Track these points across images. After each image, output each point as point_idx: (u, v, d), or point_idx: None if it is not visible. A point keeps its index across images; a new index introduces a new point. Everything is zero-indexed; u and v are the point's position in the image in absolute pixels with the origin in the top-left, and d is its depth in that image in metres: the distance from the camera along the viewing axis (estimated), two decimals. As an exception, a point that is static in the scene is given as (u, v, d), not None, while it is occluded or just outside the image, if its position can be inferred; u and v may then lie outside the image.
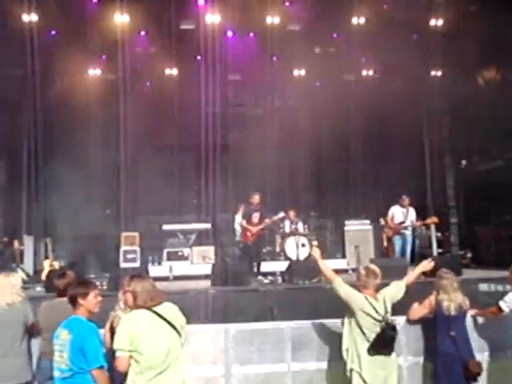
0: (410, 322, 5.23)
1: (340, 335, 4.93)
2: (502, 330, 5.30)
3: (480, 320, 5.23)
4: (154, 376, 3.64)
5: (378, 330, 4.64)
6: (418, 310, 5.19)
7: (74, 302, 3.99)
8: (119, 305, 4.55)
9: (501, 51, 11.23)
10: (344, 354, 4.78)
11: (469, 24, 11.69)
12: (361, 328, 4.69)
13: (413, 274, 5.23)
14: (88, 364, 3.72)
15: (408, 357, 5.20)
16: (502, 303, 4.98)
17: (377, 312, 4.68)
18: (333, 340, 4.99)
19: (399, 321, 5.16)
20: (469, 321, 5.21)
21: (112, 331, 4.25)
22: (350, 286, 4.86)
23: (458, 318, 4.96)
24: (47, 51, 11.86)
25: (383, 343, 4.65)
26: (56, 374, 3.80)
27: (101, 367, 3.75)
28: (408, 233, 10.76)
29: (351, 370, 4.71)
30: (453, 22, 12.28)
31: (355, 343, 4.70)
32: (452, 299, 4.97)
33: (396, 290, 4.98)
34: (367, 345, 4.65)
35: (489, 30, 11.01)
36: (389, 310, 4.78)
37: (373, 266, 5.02)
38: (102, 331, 4.27)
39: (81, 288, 4.05)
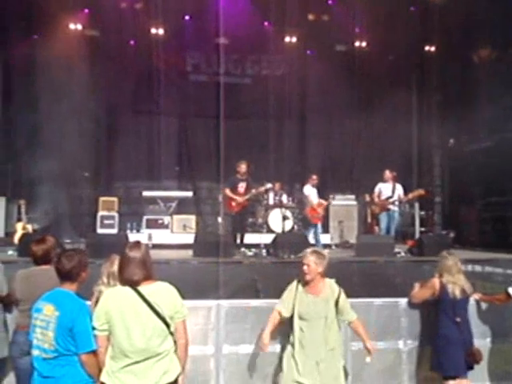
0: (411, 304, 4.98)
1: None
2: (504, 317, 5.09)
3: (483, 305, 5.01)
4: (127, 365, 3.23)
5: None
6: (421, 292, 4.93)
7: (75, 274, 3.49)
8: (102, 279, 4.14)
9: (498, 30, 10.92)
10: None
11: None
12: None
13: (361, 332, 4.45)
14: (77, 347, 3.28)
15: (408, 341, 4.97)
16: (510, 290, 4.75)
17: None
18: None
19: (401, 303, 4.92)
20: (471, 305, 4.99)
21: None
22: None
23: (462, 302, 4.75)
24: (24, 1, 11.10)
25: None
26: (35, 352, 3.36)
27: (91, 351, 3.30)
28: (395, 209, 10.56)
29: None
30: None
31: None
32: (456, 281, 4.74)
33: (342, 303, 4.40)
34: None
35: (488, 7, 10.69)
36: None
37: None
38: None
39: (84, 258, 3.57)
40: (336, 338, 4.34)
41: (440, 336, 4.74)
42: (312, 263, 4.32)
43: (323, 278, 4.38)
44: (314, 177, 10.72)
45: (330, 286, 4.38)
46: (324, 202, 10.78)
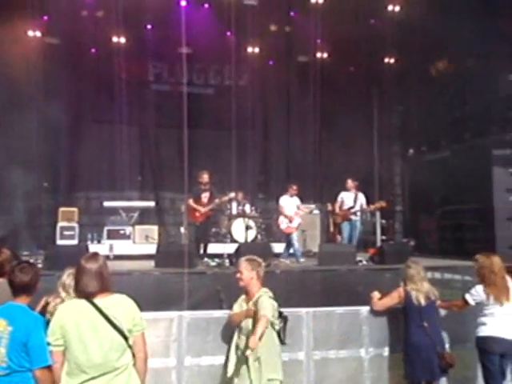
0: (373, 312, 5.03)
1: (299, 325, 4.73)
2: (461, 323, 5.19)
3: (442, 312, 5.11)
4: (84, 381, 3.12)
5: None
6: (386, 301, 4.99)
7: (32, 287, 3.41)
8: (66, 289, 3.94)
9: (455, 43, 11.24)
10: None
11: (425, 13, 11.64)
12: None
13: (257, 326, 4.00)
14: (31, 362, 3.18)
15: (369, 348, 5.01)
16: (467, 296, 4.85)
17: None
18: (291, 330, 4.69)
19: (363, 311, 4.98)
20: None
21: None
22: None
23: (428, 308, 4.81)
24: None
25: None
26: None
27: (46, 367, 3.18)
28: (357, 219, 10.69)
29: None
30: (409, 9, 12.17)
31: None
32: (419, 289, 4.82)
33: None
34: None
35: (445, 20, 11.00)
36: None
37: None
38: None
39: (38, 269, 3.50)
40: (260, 349, 4.05)
41: (410, 344, 4.79)
42: (244, 270, 4.37)
43: (260, 286, 4.36)
44: (295, 187, 10.26)
45: (259, 294, 4.28)
46: (304, 211, 10.47)
